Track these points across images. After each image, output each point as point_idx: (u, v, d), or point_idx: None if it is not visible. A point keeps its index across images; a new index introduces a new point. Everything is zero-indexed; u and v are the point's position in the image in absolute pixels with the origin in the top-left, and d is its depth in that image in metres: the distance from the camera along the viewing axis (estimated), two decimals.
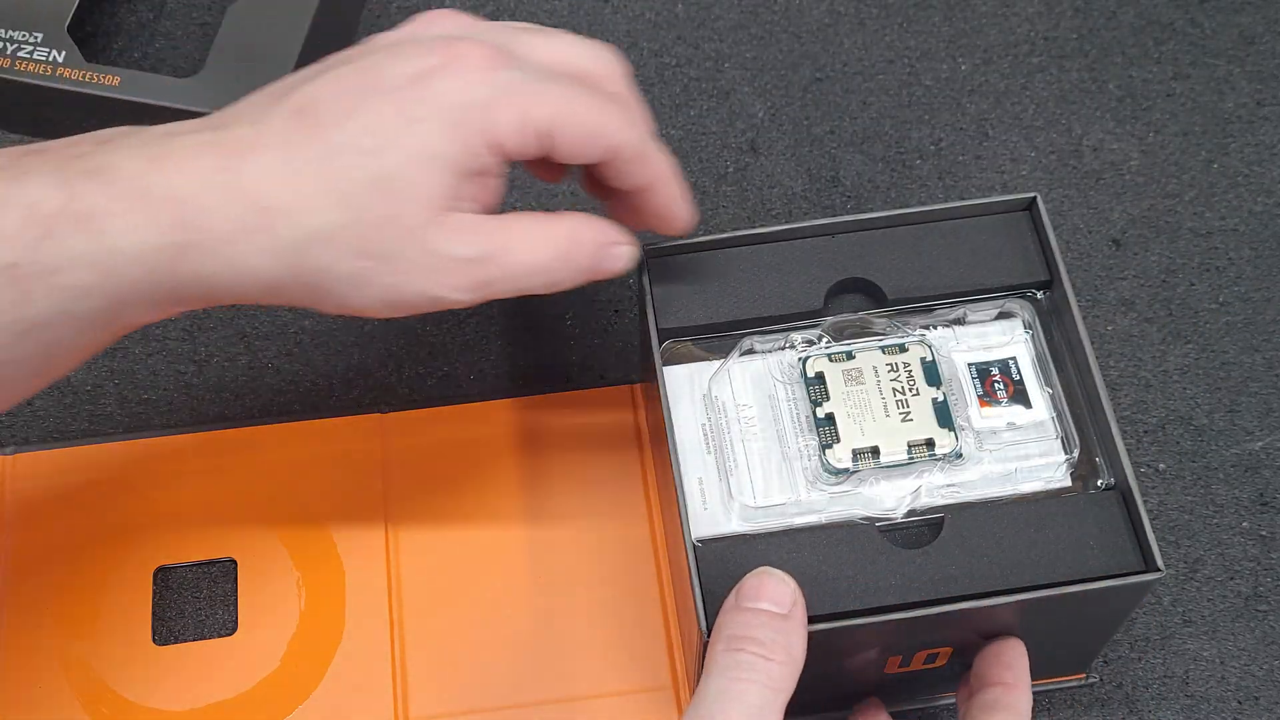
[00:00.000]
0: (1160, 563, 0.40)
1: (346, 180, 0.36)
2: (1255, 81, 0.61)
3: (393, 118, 0.37)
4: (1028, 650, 0.42)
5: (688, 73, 0.61)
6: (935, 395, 0.43)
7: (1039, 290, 0.46)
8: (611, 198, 0.42)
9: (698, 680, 0.38)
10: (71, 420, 0.53)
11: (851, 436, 0.43)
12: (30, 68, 0.56)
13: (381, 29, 0.63)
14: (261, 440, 0.52)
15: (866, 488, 0.43)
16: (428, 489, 0.51)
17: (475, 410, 0.52)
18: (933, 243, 0.46)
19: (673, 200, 0.41)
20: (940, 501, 0.42)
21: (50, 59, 0.56)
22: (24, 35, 0.57)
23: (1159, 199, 0.58)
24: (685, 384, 0.45)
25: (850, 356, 0.44)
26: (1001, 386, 0.44)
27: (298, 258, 0.37)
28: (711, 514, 0.43)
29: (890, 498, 0.43)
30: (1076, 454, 0.43)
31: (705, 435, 0.44)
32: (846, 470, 0.43)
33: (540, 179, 0.45)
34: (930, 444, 0.43)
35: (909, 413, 0.43)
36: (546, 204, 0.57)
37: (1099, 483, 0.43)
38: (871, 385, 0.43)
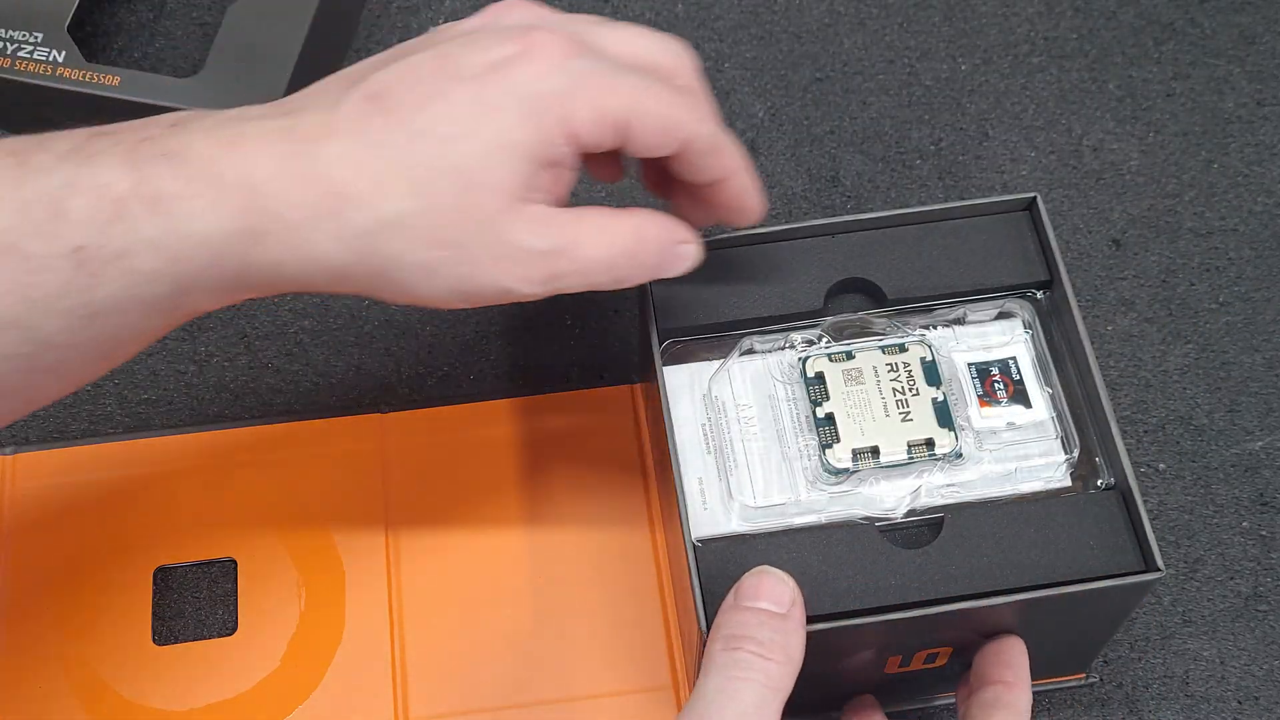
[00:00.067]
0: (1160, 563, 0.40)
1: (422, 167, 0.36)
2: (1255, 81, 0.61)
3: (470, 106, 0.36)
4: (1028, 650, 0.42)
5: None
6: (935, 395, 0.43)
7: (1039, 290, 0.46)
8: (677, 194, 0.42)
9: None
10: (71, 420, 0.53)
11: (851, 436, 0.43)
12: (30, 68, 0.56)
13: (381, 29, 0.64)
14: (261, 440, 0.52)
15: (866, 488, 0.43)
16: (428, 489, 0.51)
17: (475, 410, 0.52)
18: (933, 243, 0.45)
19: (746, 191, 0.41)
20: (940, 501, 0.42)
21: (50, 59, 0.56)
22: (24, 35, 0.57)
23: (1159, 199, 0.58)
24: (685, 384, 0.45)
25: (850, 356, 0.44)
26: (1001, 386, 0.44)
27: (368, 245, 0.36)
28: (711, 514, 0.43)
29: (890, 498, 0.43)
30: (1076, 454, 0.43)
31: (705, 435, 0.44)
32: (846, 470, 0.43)
33: (599, 179, 0.44)
34: (930, 444, 0.43)
35: (909, 413, 0.43)
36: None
37: (1099, 483, 0.42)
38: (871, 385, 0.43)
